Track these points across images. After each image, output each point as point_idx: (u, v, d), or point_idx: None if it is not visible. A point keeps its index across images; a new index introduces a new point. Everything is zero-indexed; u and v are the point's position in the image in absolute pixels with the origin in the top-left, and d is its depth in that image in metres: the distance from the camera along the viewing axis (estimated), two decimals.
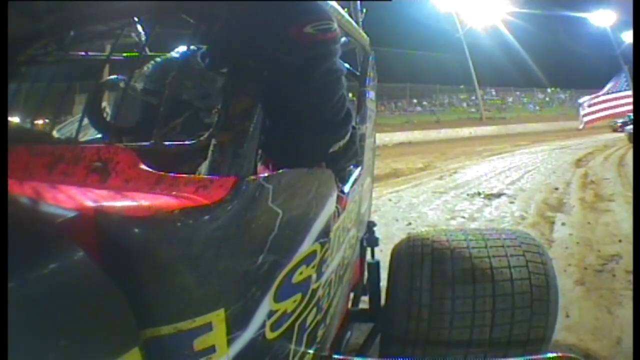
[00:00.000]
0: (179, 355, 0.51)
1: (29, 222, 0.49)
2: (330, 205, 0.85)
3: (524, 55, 24.89)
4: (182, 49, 1.14)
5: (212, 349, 0.53)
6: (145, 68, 1.10)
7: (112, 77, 1.20)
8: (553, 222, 3.70)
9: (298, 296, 0.72)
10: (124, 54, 1.18)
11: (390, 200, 4.94)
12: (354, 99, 1.48)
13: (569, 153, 9.95)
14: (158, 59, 1.13)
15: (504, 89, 26.48)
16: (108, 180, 0.62)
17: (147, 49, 1.11)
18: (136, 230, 0.48)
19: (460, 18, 23.58)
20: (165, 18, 0.85)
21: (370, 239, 1.53)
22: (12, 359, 0.35)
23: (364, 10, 1.58)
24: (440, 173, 7.49)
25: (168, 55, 1.14)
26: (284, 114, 0.78)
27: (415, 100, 23.19)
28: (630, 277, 2.37)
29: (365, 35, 1.50)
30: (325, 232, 0.81)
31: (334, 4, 1.02)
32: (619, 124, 15.46)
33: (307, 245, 0.74)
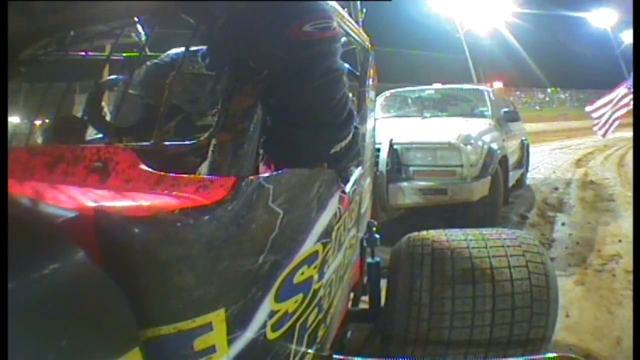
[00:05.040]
0: (179, 355, 0.51)
1: (29, 222, 0.49)
2: (333, 206, 0.85)
3: (524, 55, 24.91)
4: (172, 51, 1.15)
5: (212, 349, 0.53)
6: (136, 73, 1.10)
7: (112, 77, 1.20)
8: (553, 223, 3.70)
9: (299, 296, 0.72)
10: (124, 54, 1.18)
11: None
12: (354, 98, 1.48)
13: (569, 153, 9.95)
14: (148, 63, 1.13)
15: (504, 88, 26.51)
16: (108, 180, 0.62)
17: (147, 49, 1.11)
18: (136, 230, 0.48)
19: (460, 18, 23.58)
20: (165, 18, 0.85)
21: (370, 239, 1.53)
22: (13, 359, 0.35)
23: (364, 10, 1.57)
24: None
25: (158, 59, 1.15)
26: (284, 113, 0.78)
27: None
28: (630, 277, 2.37)
29: (365, 35, 1.50)
30: (327, 233, 0.81)
31: (334, 3, 1.02)
32: None
33: (309, 245, 0.73)
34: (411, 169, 2.82)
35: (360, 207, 1.31)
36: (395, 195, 2.75)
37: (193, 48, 0.93)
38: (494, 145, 3.16)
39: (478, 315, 1.19)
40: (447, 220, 2.89)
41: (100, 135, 1.16)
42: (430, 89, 4.73)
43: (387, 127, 3.18)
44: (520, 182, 5.02)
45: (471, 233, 1.39)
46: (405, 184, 2.77)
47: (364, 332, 1.70)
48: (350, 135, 0.88)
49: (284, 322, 0.68)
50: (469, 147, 2.84)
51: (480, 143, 3.00)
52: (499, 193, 3.13)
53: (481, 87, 5.07)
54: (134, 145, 0.68)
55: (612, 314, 1.98)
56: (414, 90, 4.63)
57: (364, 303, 1.54)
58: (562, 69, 25.87)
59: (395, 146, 2.80)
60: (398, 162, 2.81)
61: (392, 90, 4.62)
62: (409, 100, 4.54)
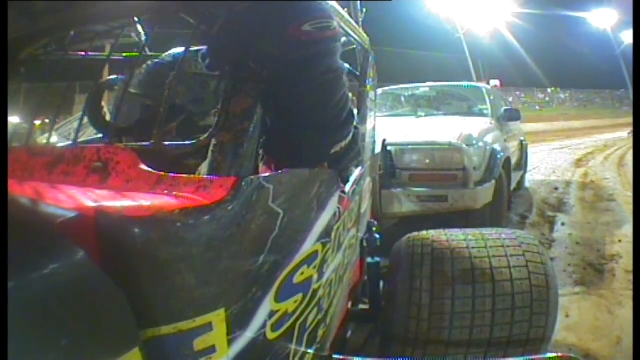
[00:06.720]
0: (179, 355, 0.51)
1: (29, 222, 0.49)
2: (332, 206, 0.85)
3: (524, 55, 24.92)
4: (175, 50, 1.15)
5: (212, 349, 0.53)
6: (138, 72, 1.10)
7: (112, 77, 1.20)
8: (553, 223, 3.70)
9: (299, 296, 0.72)
10: (124, 54, 1.18)
11: None
12: (354, 98, 1.48)
13: (569, 153, 9.95)
14: (149, 62, 1.13)
15: (504, 88, 26.45)
16: (108, 180, 0.62)
17: (147, 49, 1.11)
18: (136, 230, 0.48)
19: (460, 18, 23.58)
20: (165, 18, 0.85)
21: (370, 239, 1.53)
22: (13, 359, 0.35)
23: (364, 10, 1.57)
24: None
25: (159, 58, 1.14)
26: (284, 113, 0.78)
27: None
28: (630, 277, 2.37)
29: (365, 35, 1.50)
30: (327, 233, 0.81)
31: (334, 3, 1.02)
32: None
33: (309, 245, 0.74)
34: (406, 172, 2.49)
35: (360, 207, 1.31)
36: (389, 203, 2.43)
37: (195, 48, 0.93)
38: (497, 147, 2.86)
39: (478, 315, 1.19)
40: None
41: (100, 135, 1.16)
42: (425, 87, 4.40)
43: (379, 127, 2.49)
44: (520, 184, 4.83)
45: (471, 233, 1.39)
46: (400, 189, 2.44)
47: (364, 332, 1.70)
48: (351, 135, 0.88)
49: (283, 322, 0.68)
50: (471, 148, 2.51)
51: (482, 144, 2.68)
52: (503, 199, 2.82)
53: (479, 84, 4.80)
54: (134, 145, 0.68)
55: (612, 314, 1.98)
56: (407, 88, 4.33)
57: (364, 303, 1.54)
58: (562, 69, 25.88)
59: (388, 148, 2.46)
60: (392, 165, 2.48)
61: (384, 89, 4.32)
62: (402, 99, 4.23)
